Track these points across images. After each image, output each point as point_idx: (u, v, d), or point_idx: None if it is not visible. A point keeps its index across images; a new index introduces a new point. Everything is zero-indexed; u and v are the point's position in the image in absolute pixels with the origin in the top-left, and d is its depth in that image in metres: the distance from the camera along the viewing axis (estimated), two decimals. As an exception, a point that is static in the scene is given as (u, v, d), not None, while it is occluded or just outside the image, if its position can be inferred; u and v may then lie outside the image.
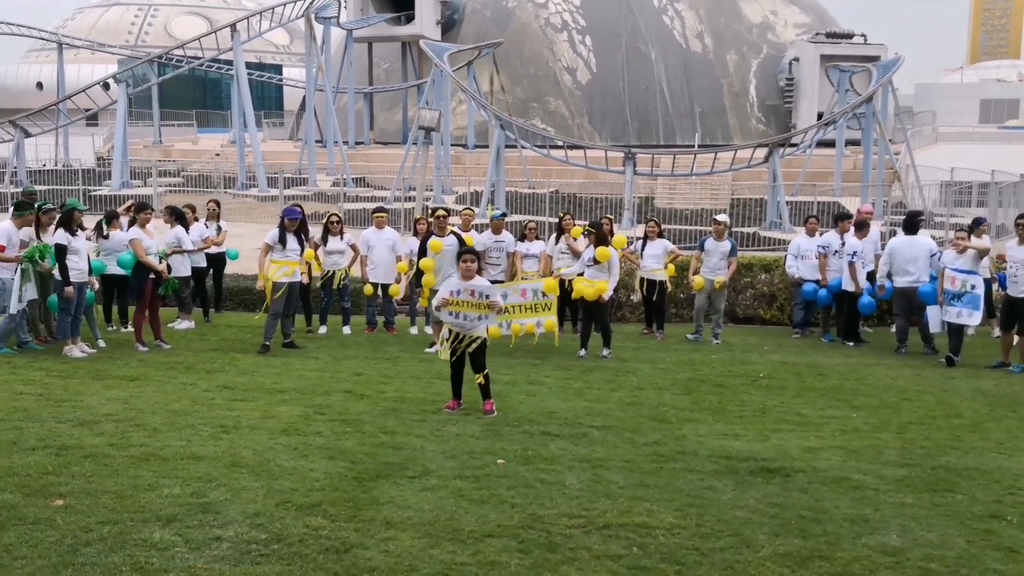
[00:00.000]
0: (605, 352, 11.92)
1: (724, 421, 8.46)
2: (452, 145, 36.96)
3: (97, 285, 11.81)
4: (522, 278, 13.25)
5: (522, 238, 13.70)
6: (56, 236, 10.76)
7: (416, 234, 13.41)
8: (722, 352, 12.52)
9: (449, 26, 48.22)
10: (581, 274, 12.18)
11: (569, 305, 13.55)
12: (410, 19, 46.60)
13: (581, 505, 5.87)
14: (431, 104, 30.81)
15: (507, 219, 15.34)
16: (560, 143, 30.03)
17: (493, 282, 12.48)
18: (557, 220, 14.32)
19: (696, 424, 8.29)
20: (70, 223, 10.74)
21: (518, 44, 46.82)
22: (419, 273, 12.29)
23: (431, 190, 29.30)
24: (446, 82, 33.15)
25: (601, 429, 7.92)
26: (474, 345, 8.55)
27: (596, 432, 7.83)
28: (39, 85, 73.15)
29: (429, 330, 13.15)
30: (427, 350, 11.97)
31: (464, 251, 9.15)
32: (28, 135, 36.45)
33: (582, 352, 12.02)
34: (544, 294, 12.19)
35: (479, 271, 9.21)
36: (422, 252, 12.18)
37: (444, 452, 7.02)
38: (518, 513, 5.68)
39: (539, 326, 12.01)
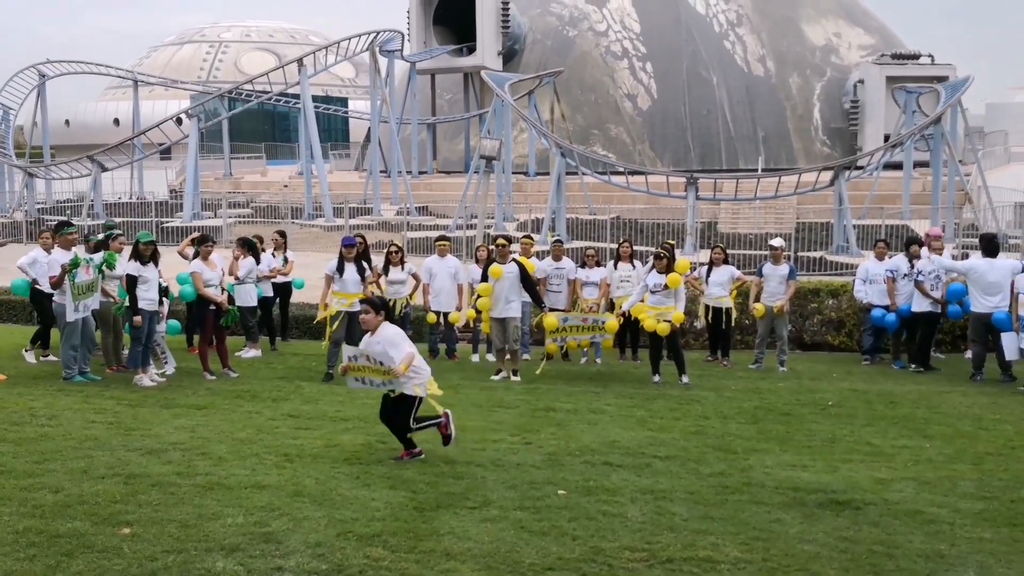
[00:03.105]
0: (684, 379, 11.79)
1: (792, 451, 8.28)
2: (513, 173, 37.13)
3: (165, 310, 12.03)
4: (582, 308, 13.24)
5: (582, 264, 13.67)
6: (128, 267, 11.07)
7: (478, 262, 13.46)
8: (789, 380, 12.29)
9: (510, 56, 48.59)
10: (642, 300, 12.10)
11: (629, 331, 13.48)
12: (472, 50, 47.07)
13: (644, 538, 5.78)
14: (492, 133, 31.02)
15: (567, 246, 15.34)
16: (621, 169, 29.94)
17: (552, 309, 12.54)
18: (617, 246, 14.28)
19: (763, 454, 8.13)
20: (141, 254, 11.00)
21: (579, 72, 46.95)
22: (479, 299, 12.33)
23: (492, 218, 29.42)
24: (507, 111, 33.35)
25: (665, 459, 7.81)
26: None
27: (659, 462, 7.72)
28: (116, 121, 75.35)
29: (491, 358, 13.15)
30: (493, 378, 11.97)
31: (364, 302, 8.16)
32: (105, 169, 37.48)
33: (656, 378, 11.91)
34: (604, 330, 12.25)
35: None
36: (484, 279, 12.22)
37: (505, 482, 6.98)
38: (579, 546, 5.60)
39: (596, 339, 12.24)
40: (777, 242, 13.67)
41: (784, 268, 13.21)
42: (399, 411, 7.64)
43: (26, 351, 12.40)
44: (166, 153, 47.89)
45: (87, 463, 7.03)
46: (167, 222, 32.09)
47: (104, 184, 38.28)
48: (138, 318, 10.88)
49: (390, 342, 7.58)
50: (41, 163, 41.92)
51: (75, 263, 10.88)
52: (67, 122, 77.03)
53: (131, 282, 10.99)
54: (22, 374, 11.32)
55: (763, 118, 46.47)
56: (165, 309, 11.72)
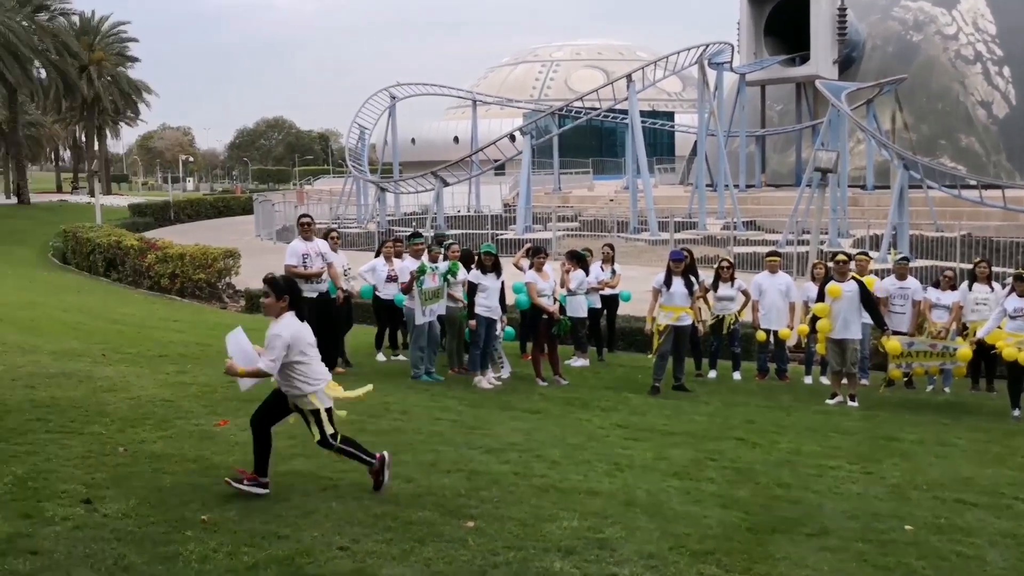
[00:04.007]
0: None
1: None
2: (849, 186, 35.37)
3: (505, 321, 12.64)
4: (930, 332, 12.31)
5: (935, 284, 12.71)
6: (469, 275, 11.81)
7: (814, 279, 12.94)
8: None
9: (847, 64, 46.38)
10: (999, 327, 11.05)
11: (984, 360, 12.34)
12: (805, 60, 45.48)
13: (1007, 586, 5.24)
14: (827, 145, 29.74)
15: (911, 264, 14.34)
16: (973, 182, 27.59)
17: (895, 332, 11.76)
18: (971, 267, 13.13)
19: None
20: (483, 264, 11.66)
21: (924, 79, 43.90)
22: (814, 319, 11.83)
23: (826, 233, 28.18)
24: (843, 122, 31.86)
25: (1029, 502, 7.05)
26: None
27: (1022, 505, 6.97)
28: (455, 139, 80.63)
29: (825, 380, 12.57)
30: (828, 402, 11.45)
31: (266, 282, 6.37)
32: (446, 184, 40.19)
33: (1016, 412, 10.87)
34: (955, 358, 11.32)
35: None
36: (820, 298, 11.71)
37: (844, 512, 6.61)
38: (932, 586, 5.18)
39: (945, 367, 11.33)
40: None
41: None
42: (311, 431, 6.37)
43: (379, 353, 13.52)
44: (500, 169, 50.41)
45: (434, 457, 7.50)
46: (501, 234, 33.77)
47: (445, 198, 41.01)
48: (473, 322, 11.55)
49: (268, 339, 6.13)
50: (391, 178, 45.69)
51: (422, 270, 11.70)
52: (413, 140, 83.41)
53: (471, 289, 11.71)
54: (376, 371, 12.32)
55: None
56: (505, 317, 12.32)
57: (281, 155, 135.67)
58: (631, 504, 6.47)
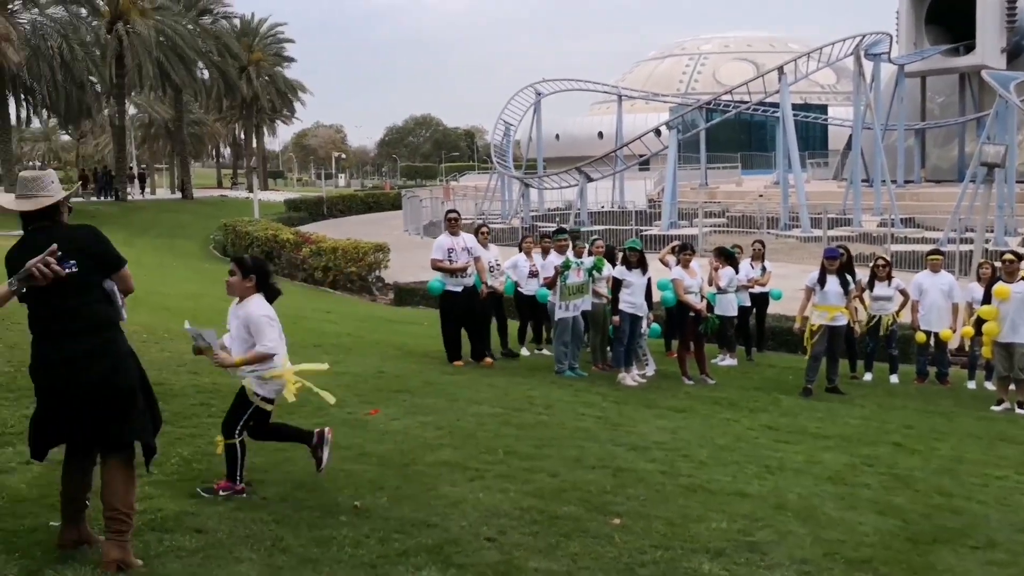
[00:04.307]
0: None
1: None
2: (1017, 182, 33.40)
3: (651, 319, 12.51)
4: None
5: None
6: (614, 271, 11.76)
7: (979, 280, 12.29)
8: None
9: (1015, 53, 43.82)
10: None
11: None
12: (970, 49, 43.20)
13: None
14: (994, 138, 28.17)
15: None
16: None
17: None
18: None
19: None
20: (628, 260, 11.57)
21: (1103, 66, 41.05)
22: (980, 321, 11.24)
23: (992, 231, 26.72)
24: (1012, 114, 30.10)
25: None
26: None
27: None
28: (600, 134, 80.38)
29: (990, 385, 11.93)
30: (993, 408, 10.86)
31: (234, 260, 6.10)
32: (590, 180, 40.11)
33: None
34: None
35: None
36: (986, 300, 11.11)
37: (1013, 524, 6.25)
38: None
39: None
40: None
41: None
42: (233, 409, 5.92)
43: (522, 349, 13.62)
44: (645, 164, 49.96)
45: (579, 452, 7.48)
46: (645, 230, 33.46)
47: (589, 194, 40.94)
48: (616, 318, 11.49)
49: (254, 323, 5.76)
50: (535, 174, 45.93)
51: (567, 266, 11.70)
52: (557, 136, 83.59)
53: (615, 284, 11.66)
54: (522, 366, 12.40)
55: None
56: (651, 314, 12.20)
57: (428, 152, 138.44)
58: (782, 508, 6.29)
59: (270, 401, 5.92)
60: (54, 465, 5.89)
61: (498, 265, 12.94)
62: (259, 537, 5.04)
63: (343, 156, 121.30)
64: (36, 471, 5.85)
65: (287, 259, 26.92)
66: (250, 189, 64.58)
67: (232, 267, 5.91)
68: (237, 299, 5.89)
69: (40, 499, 5.40)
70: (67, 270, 4.17)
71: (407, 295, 22.13)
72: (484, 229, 13.22)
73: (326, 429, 6.20)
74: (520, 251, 13.69)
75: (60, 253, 3.68)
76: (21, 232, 4.54)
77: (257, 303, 5.82)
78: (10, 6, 44.40)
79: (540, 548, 5.23)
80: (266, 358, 5.75)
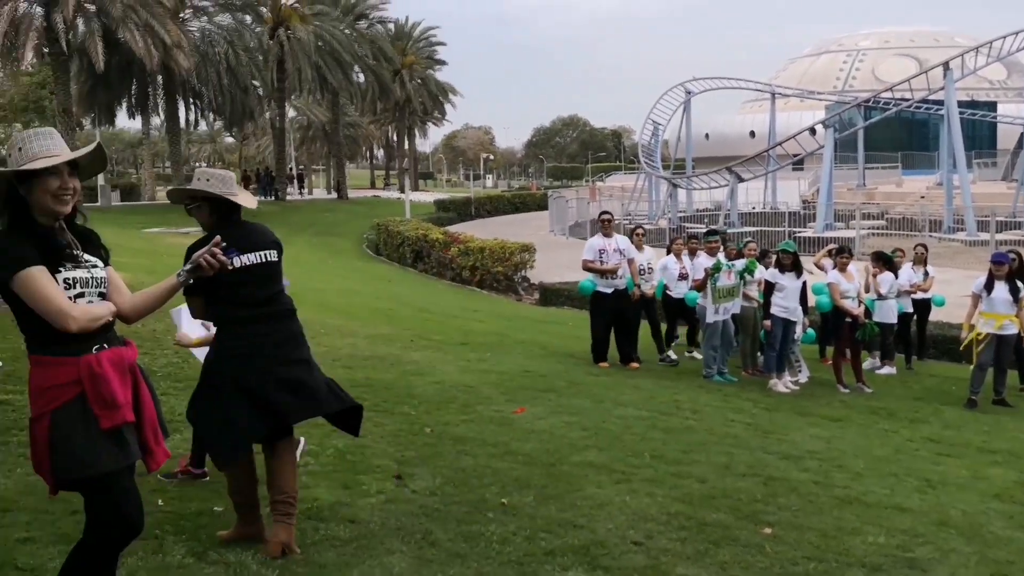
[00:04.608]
0: None
1: None
2: None
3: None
4: None
5: None
6: (767, 273, 11.48)
7: None
8: None
9: None
10: None
11: None
12: None
13: None
14: None
15: None
16: None
17: None
18: None
19: None
20: (781, 263, 11.28)
21: None
22: None
23: None
24: None
25: None
26: None
27: None
28: (751, 133, 78.55)
29: None
30: None
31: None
32: (741, 180, 39.30)
33: None
34: None
35: None
36: None
37: None
38: None
39: None
40: None
41: None
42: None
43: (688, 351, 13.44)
44: (798, 164, 48.64)
45: (728, 459, 7.32)
46: (799, 232, 32.52)
47: (739, 194, 40.11)
48: (767, 322, 11.21)
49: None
50: (683, 174, 45.34)
51: (717, 268, 11.49)
52: (707, 135, 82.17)
53: (767, 288, 11.37)
54: (668, 369, 12.25)
55: None
56: (806, 319, 11.85)
57: (575, 152, 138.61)
58: (944, 524, 5.98)
59: None
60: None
61: (650, 269, 12.79)
62: (409, 530, 5.15)
63: (491, 157, 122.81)
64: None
65: (436, 258, 27.45)
66: (401, 190, 66.20)
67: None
68: None
69: (205, 484, 5.69)
70: (232, 260, 4.30)
71: (552, 295, 22.21)
72: (640, 231, 13.10)
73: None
74: (668, 253, 13.54)
75: (224, 244, 3.84)
76: (188, 230, 4.76)
77: None
78: (182, 15, 46.95)
79: (688, 554, 5.14)
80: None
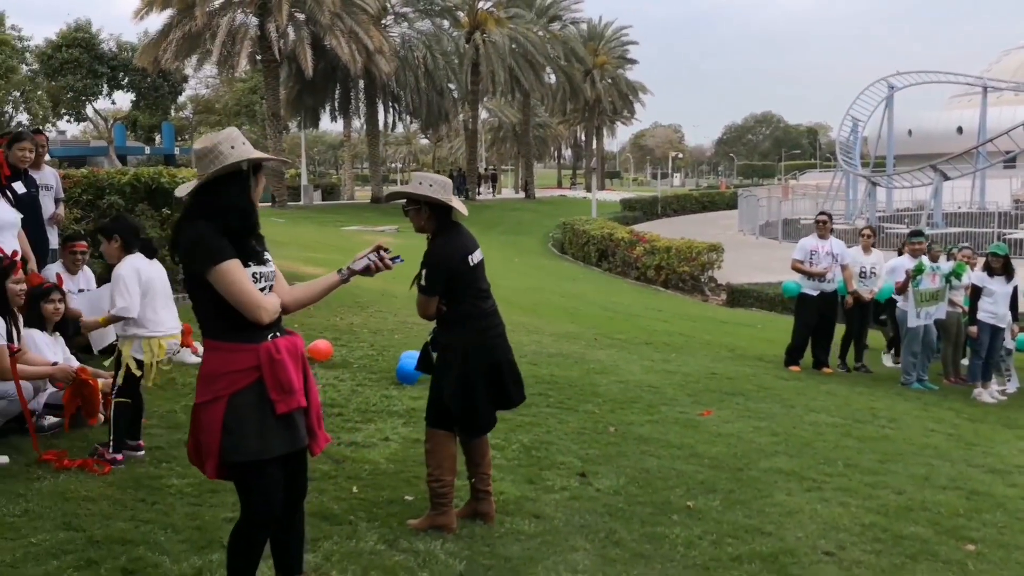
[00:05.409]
0: None
1: None
2: None
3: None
4: None
5: None
6: (973, 277, 10.86)
7: None
8: None
9: None
10: None
11: None
12: None
13: None
14: None
15: None
16: None
17: None
18: None
19: None
20: (989, 266, 10.65)
21: None
22: None
23: None
24: None
25: None
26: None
27: None
28: (959, 130, 74.06)
29: None
30: None
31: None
32: (946, 178, 37.16)
33: None
34: None
35: None
36: None
37: None
38: None
39: None
40: None
41: None
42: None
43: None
44: (1011, 162, 45.54)
45: (928, 471, 6.97)
46: (1009, 233, 30.37)
47: (944, 193, 37.94)
48: (973, 329, 10.57)
49: (112, 283, 5.68)
50: (883, 172, 43.27)
51: (919, 270, 10.92)
52: (909, 132, 78.05)
53: (974, 292, 10.72)
54: (863, 376, 11.73)
55: None
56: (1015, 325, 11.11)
57: (767, 150, 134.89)
58: None
59: (139, 364, 5.71)
60: (408, 443, 6.44)
61: (873, 273, 12.14)
62: (593, 528, 5.19)
63: (679, 155, 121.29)
64: (393, 447, 6.42)
65: (621, 257, 27.38)
66: (588, 189, 66.40)
67: (100, 238, 5.96)
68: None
69: (397, 473, 5.91)
70: (396, 264, 4.37)
71: (740, 296, 21.72)
72: (867, 231, 12.51)
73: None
74: (900, 254, 12.92)
75: (389, 250, 3.94)
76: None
77: (124, 263, 5.74)
78: (384, 21, 48.80)
79: (883, 568, 4.95)
80: (119, 320, 5.67)
